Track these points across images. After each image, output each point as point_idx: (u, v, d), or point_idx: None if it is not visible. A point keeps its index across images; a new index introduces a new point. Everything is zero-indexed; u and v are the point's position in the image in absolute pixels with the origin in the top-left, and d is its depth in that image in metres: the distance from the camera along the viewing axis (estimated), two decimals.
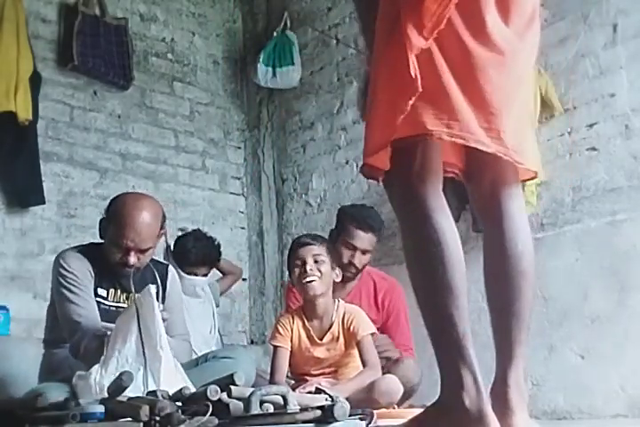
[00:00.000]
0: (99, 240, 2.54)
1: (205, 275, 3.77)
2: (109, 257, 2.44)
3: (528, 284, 1.55)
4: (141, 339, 2.07)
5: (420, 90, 1.39)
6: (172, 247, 3.85)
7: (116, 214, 2.44)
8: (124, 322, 2.15)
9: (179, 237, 3.81)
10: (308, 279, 2.75)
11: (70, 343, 2.35)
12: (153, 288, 2.19)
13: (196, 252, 3.67)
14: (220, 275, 4.10)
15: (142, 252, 2.42)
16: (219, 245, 3.83)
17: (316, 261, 2.77)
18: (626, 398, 2.84)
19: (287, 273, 4.44)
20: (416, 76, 1.39)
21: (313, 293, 2.77)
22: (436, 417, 1.46)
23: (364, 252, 3.11)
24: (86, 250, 2.52)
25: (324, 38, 4.48)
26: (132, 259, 2.40)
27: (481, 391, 1.40)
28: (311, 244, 2.80)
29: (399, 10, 1.44)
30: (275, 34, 4.55)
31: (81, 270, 2.44)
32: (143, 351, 2.05)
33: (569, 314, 3.05)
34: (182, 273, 3.59)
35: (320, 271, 2.76)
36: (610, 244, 2.99)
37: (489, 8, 1.45)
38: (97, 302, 2.45)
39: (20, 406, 1.61)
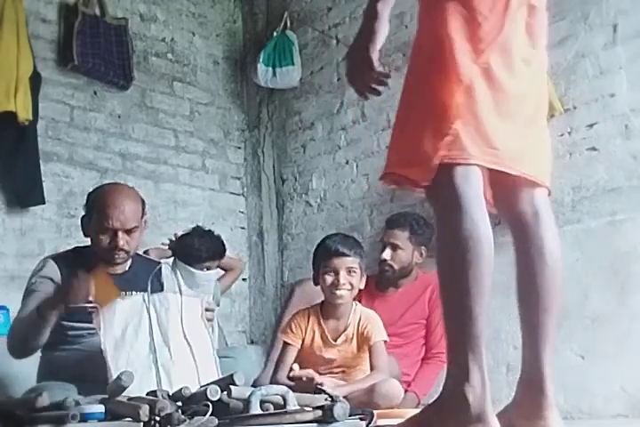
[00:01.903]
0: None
1: (216, 267, 3.77)
2: (98, 247, 2.48)
3: (557, 281, 1.65)
4: (152, 338, 2.09)
5: (461, 117, 1.52)
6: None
7: (97, 200, 2.51)
8: (132, 313, 2.17)
9: (181, 237, 3.79)
10: (338, 293, 2.78)
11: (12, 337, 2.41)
12: (173, 296, 2.26)
13: (205, 249, 3.66)
14: (221, 273, 4.08)
15: (128, 233, 2.47)
16: (220, 237, 3.82)
17: (349, 273, 2.79)
18: (626, 398, 2.84)
19: (287, 273, 4.50)
20: (458, 103, 1.52)
21: (340, 302, 2.80)
22: (437, 414, 1.46)
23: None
24: (59, 255, 2.59)
25: (324, 38, 4.48)
26: (121, 241, 2.44)
27: (486, 392, 1.42)
28: (347, 255, 2.80)
29: (443, 39, 1.55)
30: (275, 34, 4.54)
31: (42, 279, 2.47)
32: (154, 349, 2.07)
33: (569, 314, 3.04)
34: (193, 270, 3.58)
35: (351, 284, 2.79)
36: (610, 244, 2.99)
37: (515, 38, 1.61)
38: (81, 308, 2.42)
39: (19, 406, 1.61)
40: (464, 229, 1.50)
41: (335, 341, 2.81)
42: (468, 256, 1.48)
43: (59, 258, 2.56)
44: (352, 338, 2.81)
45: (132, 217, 2.47)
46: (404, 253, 3.31)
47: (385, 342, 2.81)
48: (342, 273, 2.78)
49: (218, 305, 3.88)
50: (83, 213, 2.60)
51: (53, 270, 2.49)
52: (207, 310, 2.32)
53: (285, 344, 2.84)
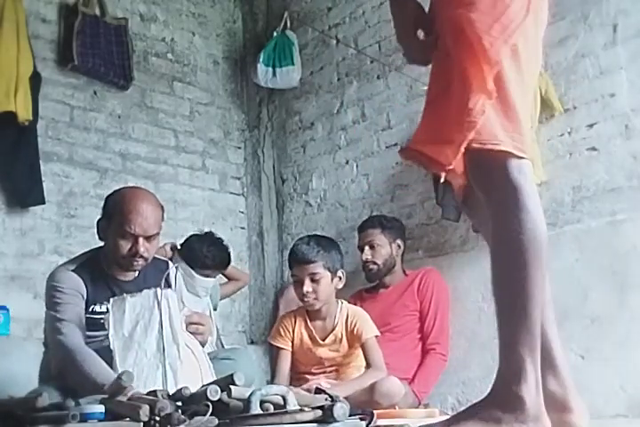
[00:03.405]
0: (97, 243, 2.52)
1: (214, 276, 3.76)
2: (116, 253, 2.41)
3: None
4: (162, 335, 2.08)
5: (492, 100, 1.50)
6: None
7: (119, 205, 2.42)
8: (143, 310, 2.15)
9: (190, 239, 3.76)
10: (305, 300, 2.77)
11: (55, 361, 2.33)
12: (173, 293, 2.23)
13: (212, 256, 3.63)
14: (225, 280, 4.07)
15: (149, 239, 2.40)
16: (228, 248, 3.79)
17: (312, 280, 2.78)
18: (626, 398, 2.84)
19: (287, 273, 4.50)
20: (492, 91, 1.49)
21: (311, 309, 2.80)
22: (489, 414, 1.43)
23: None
24: (79, 265, 2.46)
25: (324, 38, 4.48)
26: (142, 248, 2.37)
27: (540, 392, 1.43)
28: (309, 262, 2.77)
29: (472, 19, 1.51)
30: (275, 34, 4.54)
31: (71, 291, 2.39)
32: (163, 348, 2.06)
33: (569, 314, 3.04)
34: (195, 274, 3.57)
35: (316, 291, 2.77)
36: (610, 244, 2.99)
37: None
38: (98, 319, 2.38)
39: (19, 406, 1.61)
40: (526, 229, 1.49)
41: (324, 340, 2.81)
42: (528, 256, 1.47)
43: (78, 270, 2.44)
44: (342, 337, 2.80)
45: (154, 224, 2.41)
46: (383, 249, 3.39)
47: (376, 336, 2.81)
48: (306, 281, 2.76)
49: (215, 309, 3.89)
50: (99, 217, 2.50)
51: (80, 285, 2.40)
52: (195, 323, 2.27)
53: (278, 349, 2.84)
